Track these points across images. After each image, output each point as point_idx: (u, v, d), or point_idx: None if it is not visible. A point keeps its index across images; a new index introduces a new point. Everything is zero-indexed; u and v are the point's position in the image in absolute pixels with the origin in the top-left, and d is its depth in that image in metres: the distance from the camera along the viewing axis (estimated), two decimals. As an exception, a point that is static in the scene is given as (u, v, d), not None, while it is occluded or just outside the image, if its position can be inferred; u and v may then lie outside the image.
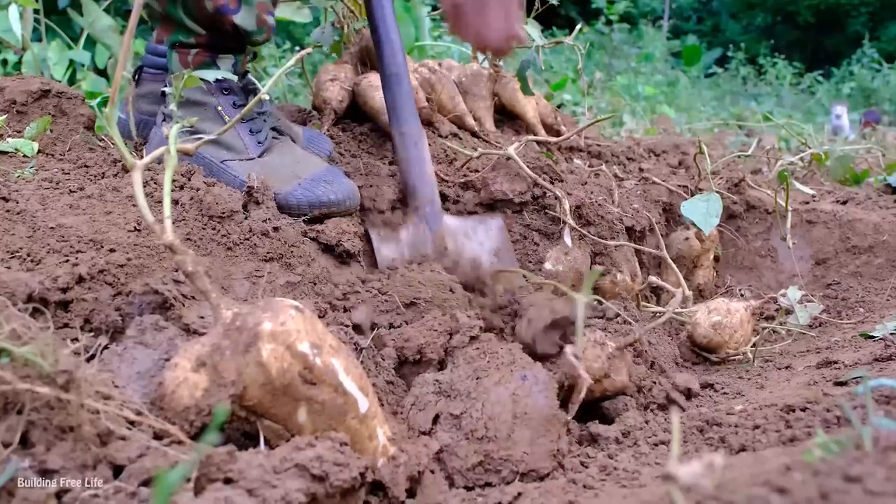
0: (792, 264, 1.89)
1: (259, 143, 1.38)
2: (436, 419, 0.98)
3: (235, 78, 1.31)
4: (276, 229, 1.25)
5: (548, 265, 1.45)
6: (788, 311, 1.64)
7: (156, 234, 0.73)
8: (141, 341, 0.88)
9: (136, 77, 1.58)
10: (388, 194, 1.51)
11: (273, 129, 1.43)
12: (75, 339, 0.88)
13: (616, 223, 1.58)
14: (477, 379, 1.05)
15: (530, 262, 1.51)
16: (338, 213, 1.34)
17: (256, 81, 1.42)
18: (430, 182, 1.46)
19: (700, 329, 1.46)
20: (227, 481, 0.69)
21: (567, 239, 1.46)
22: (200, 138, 0.91)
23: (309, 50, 1.17)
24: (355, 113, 1.86)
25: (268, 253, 1.21)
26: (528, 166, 1.57)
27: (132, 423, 0.73)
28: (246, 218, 1.25)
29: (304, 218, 1.30)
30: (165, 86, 1.34)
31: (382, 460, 0.83)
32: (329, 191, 1.32)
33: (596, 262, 1.55)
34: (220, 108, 1.37)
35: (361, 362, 1.09)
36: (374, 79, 1.83)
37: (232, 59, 1.39)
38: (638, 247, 1.56)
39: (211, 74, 1.24)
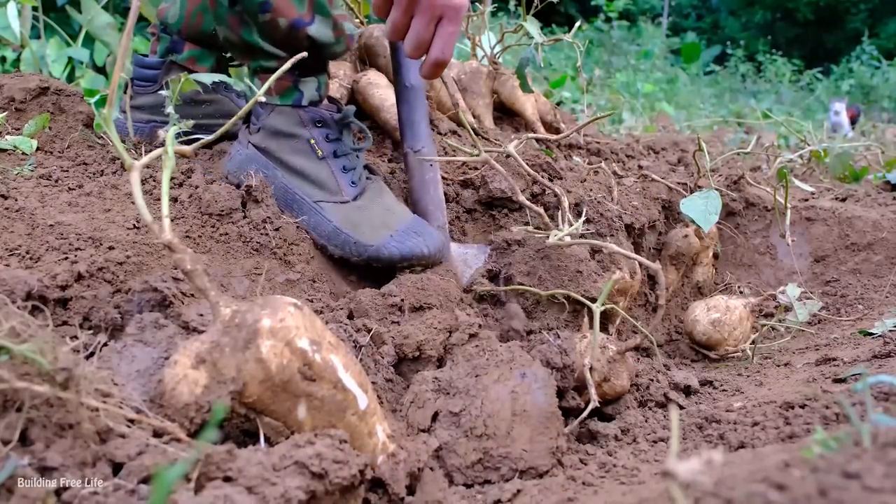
0: (791, 261, 1.89)
1: (353, 183, 1.34)
2: (435, 416, 0.98)
3: (242, 84, 1.30)
4: (276, 228, 1.25)
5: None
6: (787, 309, 1.64)
7: (154, 233, 0.73)
8: (140, 339, 0.88)
9: (127, 88, 1.58)
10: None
11: (365, 167, 1.39)
12: (74, 337, 0.88)
13: (615, 220, 1.58)
14: (476, 377, 1.05)
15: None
16: (428, 265, 1.30)
17: (353, 117, 1.37)
18: (441, 206, 1.43)
19: (699, 326, 1.47)
20: (227, 479, 0.69)
21: (567, 237, 1.46)
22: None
23: (304, 54, 1.17)
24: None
25: (267, 251, 1.21)
26: (527, 164, 1.57)
27: (131, 420, 0.73)
28: (245, 216, 1.25)
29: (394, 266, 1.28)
30: (165, 97, 1.24)
31: (382, 457, 0.83)
32: (421, 244, 1.28)
33: (595, 259, 1.55)
34: (312, 140, 1.32)
35: (360, 360, 1.09)
36: (373, 77, 1.83)
37: (315, 83, 1.34)
38: (619, 250, 1.55)
39: (208, 77, 1.22)
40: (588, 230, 1.55)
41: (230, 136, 1.44)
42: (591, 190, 1.62)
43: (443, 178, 1.60)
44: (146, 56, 1.58)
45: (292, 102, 1.32)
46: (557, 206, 1.53)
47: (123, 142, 1.46)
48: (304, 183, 1.31)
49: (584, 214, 1.47)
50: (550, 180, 1.62)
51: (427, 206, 1.41)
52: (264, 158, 1.33)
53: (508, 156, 1.54)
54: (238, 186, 1.29)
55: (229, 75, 1.49)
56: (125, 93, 1.46)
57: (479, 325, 1.21)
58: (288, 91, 1.31)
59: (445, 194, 1.57)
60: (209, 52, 1.56)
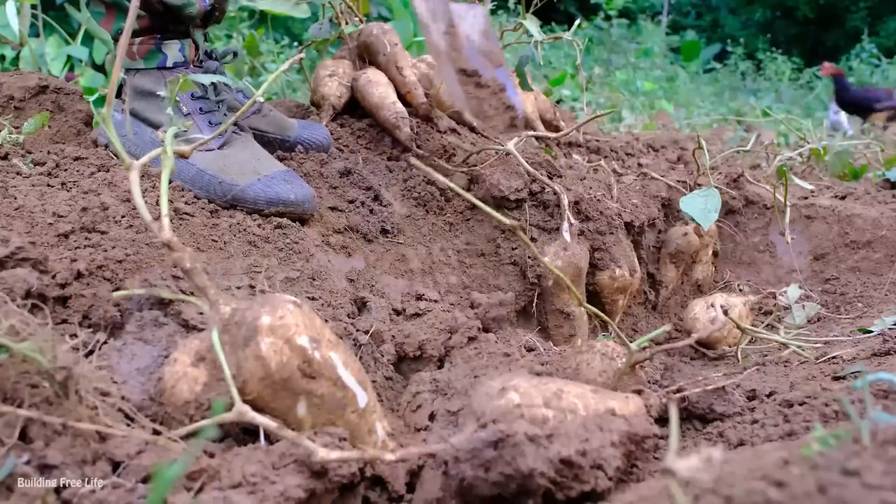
0: (790, 259, 1.89)
1: (220, 134, 1.35)
2: (432, 416, 0.98)
3: (236, 85, 1.30)
4: (277, 226, 1.25)
5: (546, 260, 1.44)
6: (788, 308, 1.64)
7: (154, 232, 0.73)
8: (140, 337, 0.88)
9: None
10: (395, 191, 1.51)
11: (235, 124, 1.41)
12: (74, 335, 0.88)
13: (615, 218, 1.57)
14: (475, 377, 1.05)
15: (529, 257, 1.51)
16: (293, 215, 1.31)
17: (224, 73, 1.42)
18: None
19: (698, 324, 1.47)
20: (226, 478, 0.69)
21: (566, 235, 1.46)
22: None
23: (302, 55, 1.17)
24: (354, 109, 1.86)
25: (266, 249, 1.21)
26: (527, 162, 1.57)
27: (131, 419, 0.73)
28: (244, 214, 1.25)
29: (257, 214, 1.29)
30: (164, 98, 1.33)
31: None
32: (289, 190, 1.29)
33: (595, 257, 1.55)
34: (177, 98, 1.34)
35: (360, 358, 1.09)
36: (372, 75, 1.83)
37: (178, 44, 1.38)
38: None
39: (206, 78, 1.22)
40: (587, 228, 1.55)
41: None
42: (590, 188, 1.62)
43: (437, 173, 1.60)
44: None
45: (157, 65, 1.37)
46: (557, 203, 1.53)
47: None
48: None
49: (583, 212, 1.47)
50: (550, 178, 1.61)
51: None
52: (134, 120, 1.38)
53: (508, 153, 1.54)
54: (106, 147, 1.39)
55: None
56: (119, 97, 1.45)
57: (479, 328, 1.21)
58: (151, 54, 1.36)
59: (442, 193, 1.57)
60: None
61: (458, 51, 1.62)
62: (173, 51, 1.37)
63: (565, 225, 1.46)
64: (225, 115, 1.41)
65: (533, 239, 1.53)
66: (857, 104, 5.63)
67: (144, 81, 1.36)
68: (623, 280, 1.56)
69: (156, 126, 1.37)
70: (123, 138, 1.39)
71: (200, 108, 1.38)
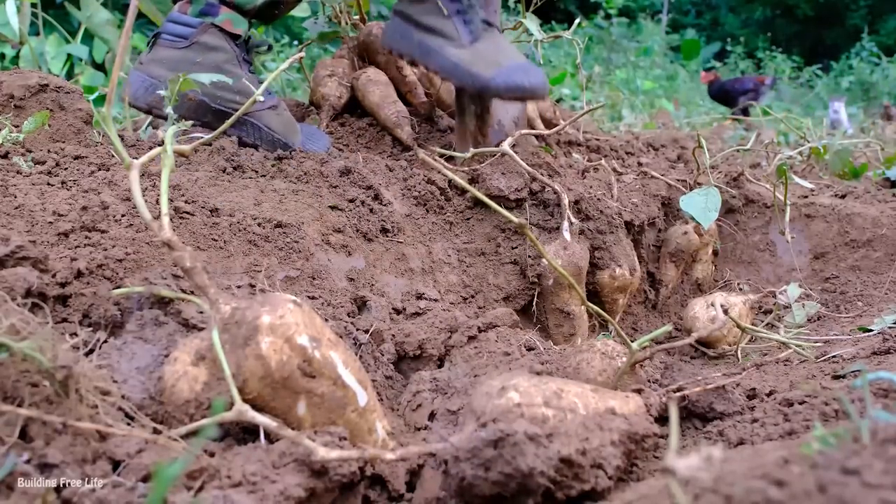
0: (790, 258, 1.89)
1: (470, 32, 1.62)
2: (432, 415, 0.98)
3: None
4: (278, 225, 1.25)
5: (550, 257, 1.44)
6: (788, 307, 1.64)
7: (154, 230, 0.73)
8: (140, 336, 0.88)
9: (152, 42, 1.61)
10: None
11: (484, 21, 1.65)
12: (74, 334, 0.88)
13: (615, 217, 1.57)
14: (475, 377, 1.05)
15: (529, 256, 1.51)
16: (530, 98, 1.58)
17: None
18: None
19: (698, 323, 1.47)
20: (226, 476, 0.69)
21: (566, 234, 1.46)
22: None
23: (302, 54, 1.17)
24: (354, 108, 1.86)
25: (266, 248, 1.21)
26: (527, 161, 1.57)
27: (132, 418, 0.73)
28: (244, 212, 1.25)
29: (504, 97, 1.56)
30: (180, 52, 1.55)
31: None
32: (524, 79, 1.54)
33: (595, 256, 1.55)
34: (439, 1, 1.62)
35: (360, 357, 1.09)
36: (373, 74, 1.83)
37: None
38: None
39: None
40: (587, 227, 1.55)
41: (228, 133, 1.45)
42: (591, 187, 1.62)
43: (440, 175, 1.60)
44: (182, 14, 1.61)
45: None
46: (557, 203, 1.53)
47: (121, 138, 1.47)
48: (434, 36, 1.63)
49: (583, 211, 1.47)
50: (550, 178, 1.61)
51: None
52: (404, 24, 1.68)
53: (504, 154, 1.53)
54: (390, 52, 1.70)
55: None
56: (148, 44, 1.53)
57: (479, 328, 1.21)
58: None
59: (443, 190, 1.57)
60: (243, 16, 1.63)
61: None
62: None
63: (565, 224, 1.46)
64: (476, 13, 1.64)
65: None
66: (724, 95, 5.85)
67: None
68: (623, 279, 1.57)
69: (420, 25, 1.65)
70: (393, 38, 1.69)
71: (457, 10, 1.62)
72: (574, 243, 1.46)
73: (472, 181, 1.57)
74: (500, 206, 1.55)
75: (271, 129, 1.59)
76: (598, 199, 1.58)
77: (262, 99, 1.31)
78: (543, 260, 1.45)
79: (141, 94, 1.53)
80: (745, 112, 5.63)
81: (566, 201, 1.47)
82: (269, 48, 1.70)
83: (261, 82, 1.64)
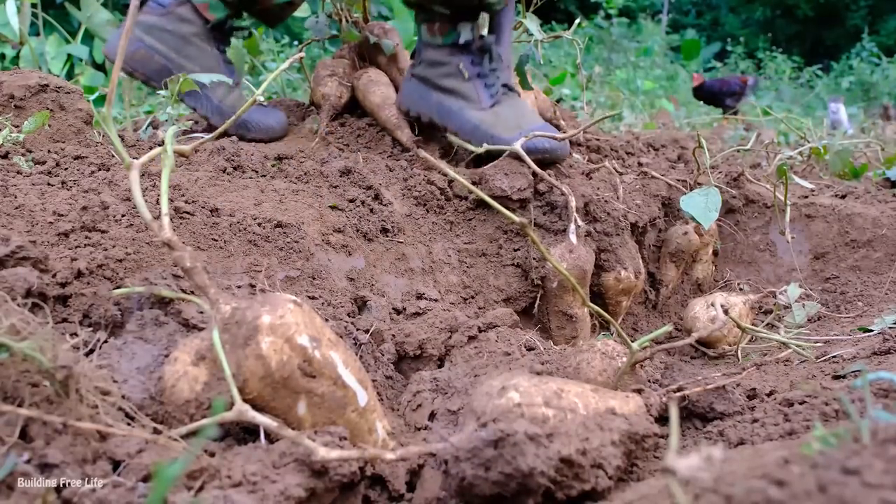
0: (791, 258, 1.89)
1: (491, 95, 1.67)
2: (432, 415, 0.98)
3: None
4: (278, 225, 1.25)
5: (555, 260, 1.42)
6: (788, 307, 1.64)
7: (154, 231, 0.73)
8: (141, 336, 0.88)
9: (141, 4, 1.75)
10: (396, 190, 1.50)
11: (504, 85, 1.70)
12: (74, 334, 0.88)
13: (621, 220, 1.57)
14: (475, 376, 1.05)
15: (533, 258, 1.51)
16: (550, 160, 1.61)
17: (492, 41, 1.70)
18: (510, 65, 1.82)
19: (698, 323, 1.47)
20: (227, 476, 0.69)
21: (573, 237, 1.44)
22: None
23: (302, 54, 1.17)
24: (354, 108, 1.86)
25: (266, 248, 1.21)
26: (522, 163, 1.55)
27: (132, 418, 0.73)
28: (244, 212, 1.25)
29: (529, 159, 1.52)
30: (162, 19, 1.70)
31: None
32: (545, 142, 1.58)
33: (601, 258, 1.54)
34: (460, 65, 1.67)
35: (360, 357, 1.09)
36: (373, 74, 1.83)
37: (469, 25, 1.67)
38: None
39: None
40: (594, 229, 1.54)
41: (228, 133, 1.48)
42: (598, 188, 1.62)
43: (445, 175, 1.60)
44: None
45: (451, 42, 1.67)
46: (565, 205, 1.51)
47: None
48: (454, 97, 1.68)
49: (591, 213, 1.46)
50: (557, 179, 1.60)
51: (508, 57, 1.79)
52: (422, 86, 1.71)
53: (516, 154, 1.52)
54: (407, 114, 1.72)
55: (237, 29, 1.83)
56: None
57: (479, 328, 1.21)
58: (449, 32, 1.66)
59: (443, 191, 1.57)
60: (223, 5, 1.74)
61: None
62: (466, 30, 1.66)
63: (572, 227, 1.45)
64: (497, 77, 1.70)
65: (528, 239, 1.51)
66: (711, 97, 5.91)
67: (437, 54, 1.69)
68: (628, 282, 1.56)
69: (440, 88, 1.69)
70: (411, 100, 1.72)
71: (478, 74, 1.68)
72: (580, 246, 1.44)
73: (476, 182, 1.57)
74: (504, 206, 1.54)
75: (222, 102, 1.72)
76: (606, 200, 1.57)
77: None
78: (548, 262, 1.43)
79: (115, 49, 1.68)
80: (735, 112, 5.66)
81: (573, 204, 1.46)
82: (250, 34, 1.77)
83: (228, 62, 1.80)
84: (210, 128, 1.76)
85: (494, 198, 1.53)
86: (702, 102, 6.17)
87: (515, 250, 1.53)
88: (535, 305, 1.52)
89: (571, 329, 1.48)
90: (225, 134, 1.45)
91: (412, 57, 1.79)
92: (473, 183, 1.57)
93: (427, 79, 1.71)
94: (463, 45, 1.67)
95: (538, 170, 1.50)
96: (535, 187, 1.56)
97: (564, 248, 1.44)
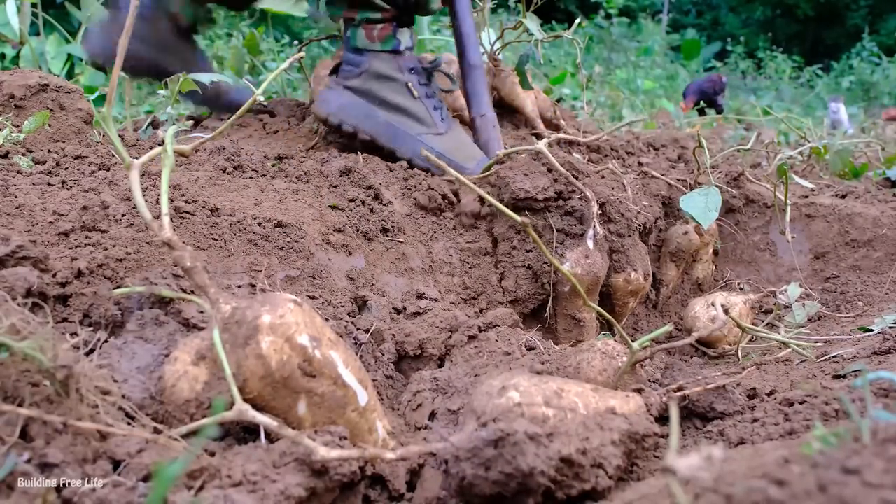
0: (791, 258, 1.89)
1: (442, 119, 1.63)
2: (433, 415, 0.98)
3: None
4: (278, 225, 1.25)
5: (566, 266, 1.40)
6: (788, 307, 1.64)
7: (154, 230, 0.73)
8: (141, 336, 0.88)
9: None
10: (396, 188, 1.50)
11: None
12: (75, 334, 0.88)
13: (633, 220, 1.55)
14: (475, 376, 1.05)
15: (544, 263, 1.48)
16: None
17: (442, 61, 1.66)
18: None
19: (699, 323, 1.47)
20: (227, 476, 0.69)
21: (590, 242, 1.42)
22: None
23: (302, 54, 1.17)
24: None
25: (266, 248, 1.21)
26: (541, 163, 1.53)
27: (132, 417, 0.73)
28: (244, 212, 1.25)
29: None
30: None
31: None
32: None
33: (612, 259, 1.52)
34: (409, 84, 1.60)
35: (360, 356, 1.09)
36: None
37: (409, 32, 1.61)
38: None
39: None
40: (608, 230, 1.52)
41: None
42: (613, 189, 1.60)
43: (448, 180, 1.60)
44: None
45: (391, 48, 1.59)
46: (584, 207, 1.48)
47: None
48: (406, 118, 1.58)
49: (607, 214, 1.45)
50: (576, 179, 1.57)
51: (494, 152, 1.68)
52: (363, 101, 1.59)
53: (539, 153, 1.48)
54: (337, 128, 1.59)
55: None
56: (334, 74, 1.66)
57: (479, 328, 1.21)
58: (388, 38, 1.59)
59: (457, 194, 1.57)
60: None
61: None
62: (405, 37, 1.61)
63: (590, 232, 1.42)
64: (440, 100, 1.65)
65: (548, 243, 1.47)
66: (703, 96, 5.93)
67: (380, 66, 1.59)
68: (637, 283, 1.55)
69: (388, 105, 1.60)
70: (347, 114, 1.60)
71: (426, 94, 1.62)
72: (595, 252, 1.42)
73: (495, 185, 1.53)
74: (528, 207, 1.50)
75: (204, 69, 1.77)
76: (621, 201, 1.55)
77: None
78: (566, 264, 1.39)
79: (95, 46, 1.75)
80: (720, 111, 5.68)
81: (595, 209, 1.41)
82: (213, 21, 1.86)
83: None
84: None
85: (518, 199, 1.49)
86: (700, 103, 6.18)
87: (528, 251, 1.49)
88: (547, 309, 1.49)
89: (578, 333, 1.48)
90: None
91: (335, 68, 1.70)
92: (492, 185, 1.54)
93: (368, 91, 1.60)
94: (407, 58, 1.61)
95: (563, 170, 1.45)
96: (553, 187, 1.52)
97: (581, 253, 1.42)
